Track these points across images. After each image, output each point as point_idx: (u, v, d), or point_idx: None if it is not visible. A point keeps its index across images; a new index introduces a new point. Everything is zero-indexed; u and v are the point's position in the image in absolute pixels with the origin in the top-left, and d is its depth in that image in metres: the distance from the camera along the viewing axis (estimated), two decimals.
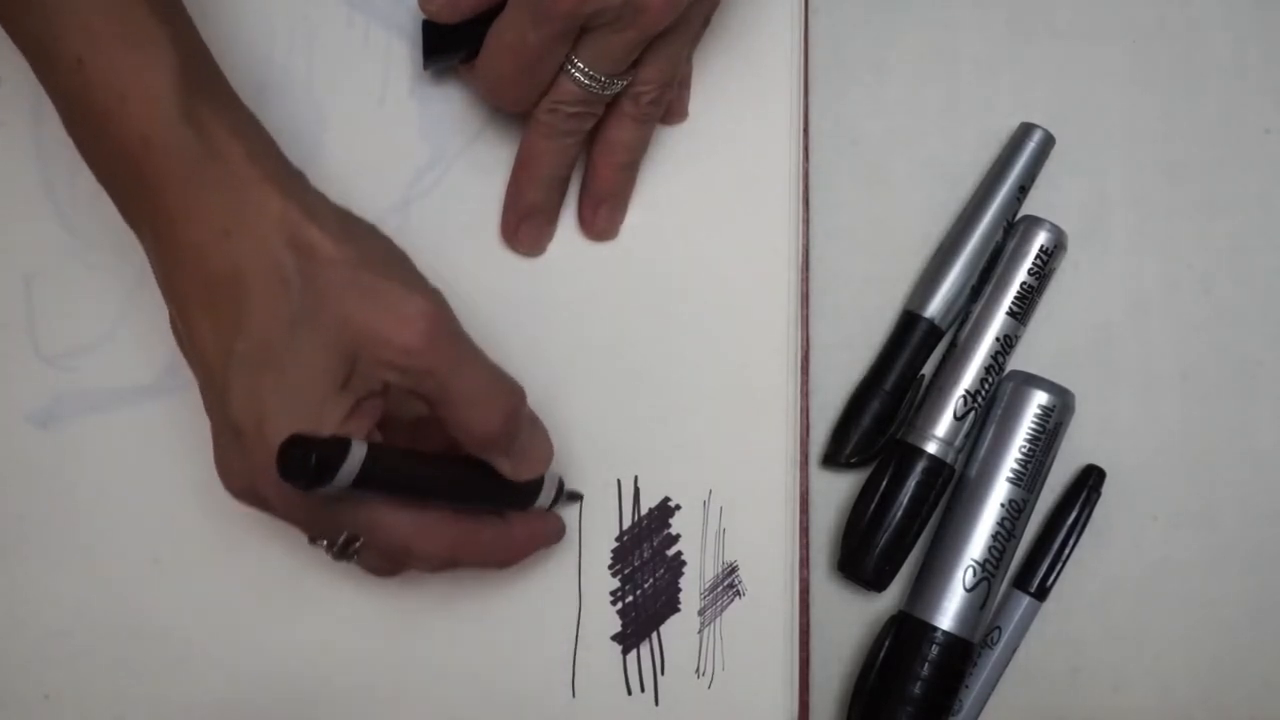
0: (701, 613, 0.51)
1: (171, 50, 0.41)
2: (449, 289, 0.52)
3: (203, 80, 0.42)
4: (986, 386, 0.54)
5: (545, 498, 0.47)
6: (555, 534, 0.49)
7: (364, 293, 0.40)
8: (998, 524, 0.52)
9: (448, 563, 0.44)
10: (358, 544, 0.43)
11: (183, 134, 0.40)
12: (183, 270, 0.41)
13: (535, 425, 0.46)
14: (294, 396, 0.40)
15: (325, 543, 0.43)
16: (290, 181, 0.42)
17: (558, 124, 0.48)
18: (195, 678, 0.50)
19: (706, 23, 0.49)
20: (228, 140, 0.41)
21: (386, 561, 0.44)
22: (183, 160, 0.40)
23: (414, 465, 0.43)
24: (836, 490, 0.55)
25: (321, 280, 0.40)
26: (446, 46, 0.50)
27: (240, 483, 0.42)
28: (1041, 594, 0.54)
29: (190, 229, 0.40)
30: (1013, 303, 0.54)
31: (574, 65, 0.46)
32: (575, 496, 0.51)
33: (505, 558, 0.47)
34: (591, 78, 0.47)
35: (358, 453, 0.39)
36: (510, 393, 0.44)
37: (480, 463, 0.44)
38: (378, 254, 0.43)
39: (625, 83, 0.48)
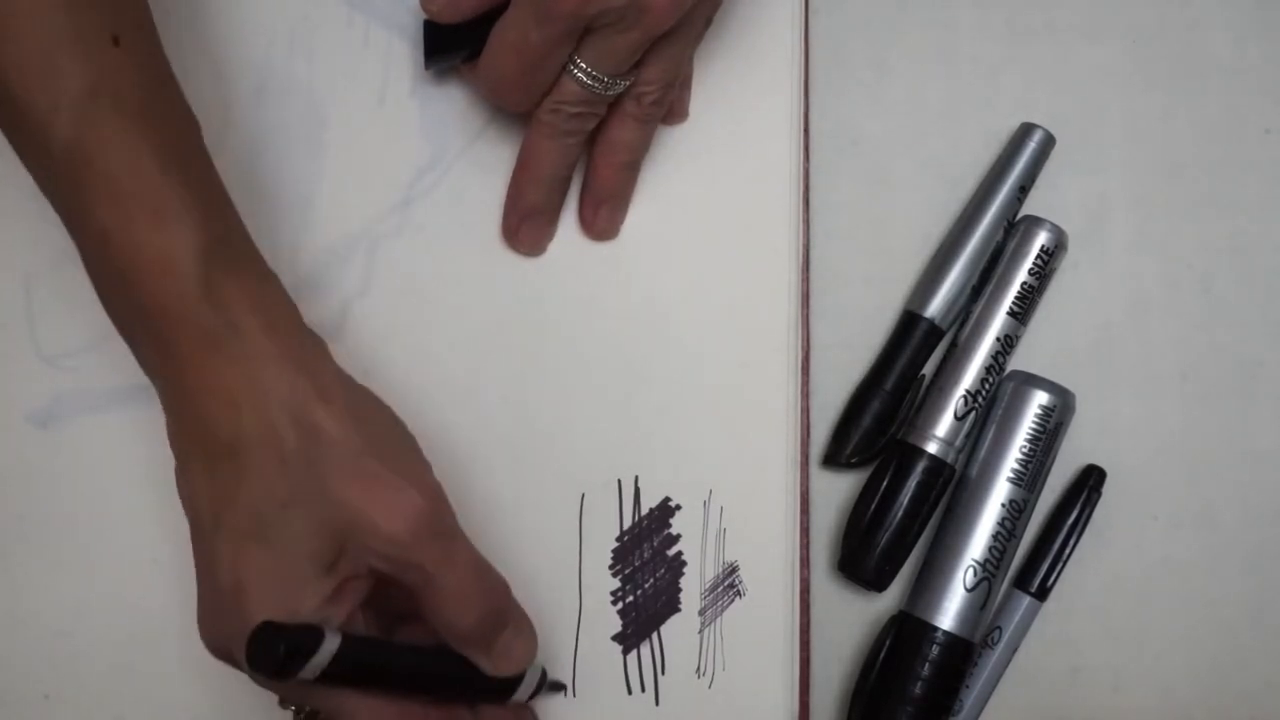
0: (702, 613, 0.51)
1: (197, 221, 0.41)
2: (449, 289, 0.52)
3: (227, 251, 0.42)
4: (987, 386, 0.54)
5: (524, 691, 0.46)
6: None
7: (361, 479, 0.41)
8: (998, 524, 0.52)
9: None
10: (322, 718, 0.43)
11: (201, 309, 0.41)
12: (188, 432, 0.42)
13: (520, 622, 0.45)
14: (278, 573, 0.40)
15: (293, 711, 0.44)
16: (307, 357, 0.42)
17: (560, 124, 0.48)
18: (195, 678, 0.50)
19: (708, 23, 0.49)
20: (247, 315, 0.41)
21: None
22: (199, 334, 0.41)
23: (387, 658, 0.43)
24: (837, 490, 0.55)
25: (321, 462, 0.40)
26: (448, 47, 0.50)
27: (216, 643, 0.42)
28: (1042, 594, 0.54)
29: (200, 399, 0.41)
30: (1013, 303, 0.54)
31: (577, 65, 0.46)
32: (557, 687, 0.50)
33: None
34: (594, 78, 0.47)
35: (329, 645, 0.39)
36: (493, 591, 0.44)
37: (459, 655, 0.44)
38: (383, 440, 0.43)
39: (628, 83, 0.48)
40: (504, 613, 0.44)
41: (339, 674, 0.40)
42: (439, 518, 0.42)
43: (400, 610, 0.44)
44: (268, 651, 0.39)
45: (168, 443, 0.43)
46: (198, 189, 0.42)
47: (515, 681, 0.45)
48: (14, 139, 0.42)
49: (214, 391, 0.41)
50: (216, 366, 0.41)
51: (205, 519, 0.41)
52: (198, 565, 0.42)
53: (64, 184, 0.42)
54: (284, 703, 0.44)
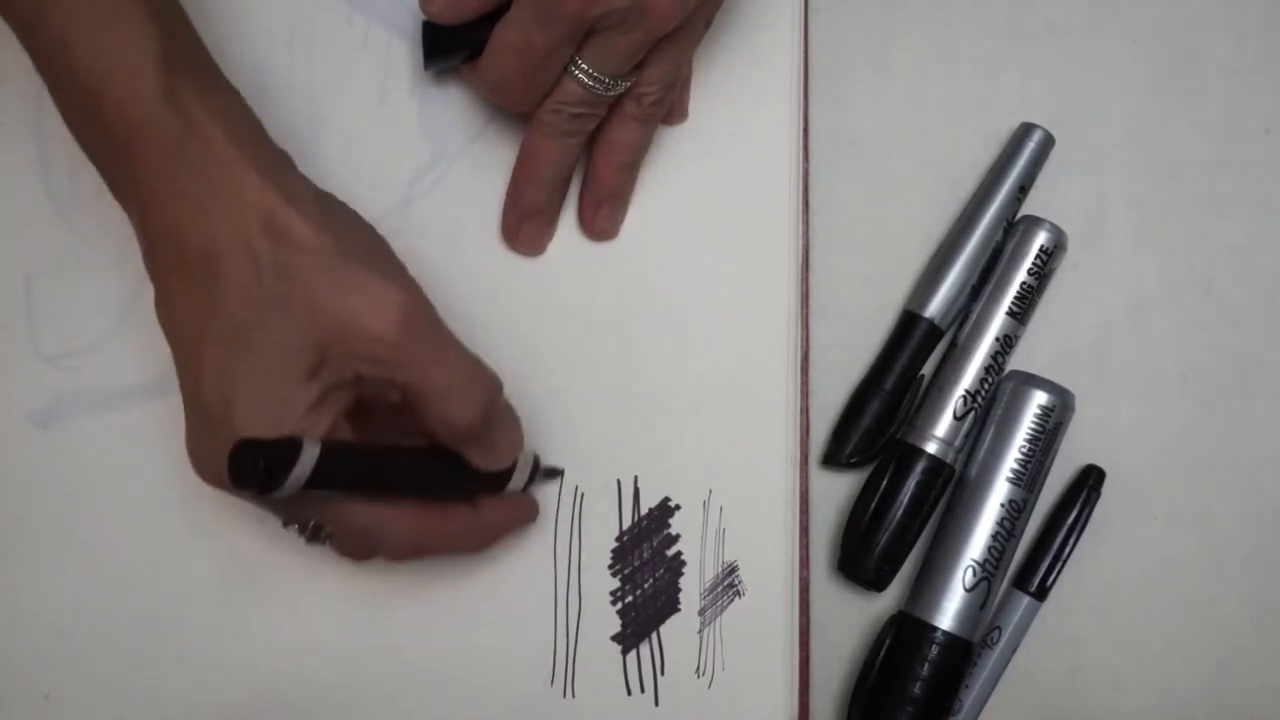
0: (701, 613, 0.51)
1: (153, 29, 0.41)
2: (449, 289, 0.52)
3: (186, 60, 0.42)
4: (986, 386, 0.54)
5: (519, 480, 0.46)
6: (528, 517, 0.48)
7: (337, 281, 0.40)
8: (998, 524, 0.52)
9: (415, 552, 0.44)
10: (326, 530, 0.43)
11: (163, 113, 0.40)
12: (162, 247, 0.41)
13: (509, 415, 0.45)
14: (261, 381, 0.40)
15: (296, 528, 0.43)
16: (272, 164, 0.42)
17: (560, 124, 0.48)
18: (194, 677, 0.50)
19: (708, 24, 0.49)
20: (208, 120, 0.41)
21: (356, 548, 0.44)
22: (162, 139, 0.40)
23: (374, 462, 0.43)
24: (836, 490, 0.55)
25: (294, 266, 0.40)
26: (447, 47, 0.50)
27: (209, 467, 0.42)
28: (1041, 594, 0.54)
29: (169, 206, 0.41)
30: (1013, 303, 0.54)
31: (578, 66, 0.46)
32: (554, 473, 0.50)
33: (476, 545, 0.47)
34: (595, 79, 0.47)
35: (309, 456, 0.39)
36: (487, 384, 0.44)
37: (448, 451, 0.43)
38: (356, 242, 0.42)
39: (629, 84, 0.48)
40: (497, 406, 0.44)
41: (326, 482, 0.40)
42: (422, 311, 0.42)
43: (388, 421, 0.44)
44: (248, 468, 0.39)
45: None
46: (157, 2, 0.42)
47: (509, 472, 0.46)
48: None
49: (181, 198, 0.40)
50: (182, 173, 0.40)
51: (188, 337, 0.41)
52: (183, 391, 0.42)
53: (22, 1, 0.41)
54: (286, 523, 0.44)
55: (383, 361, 0.41)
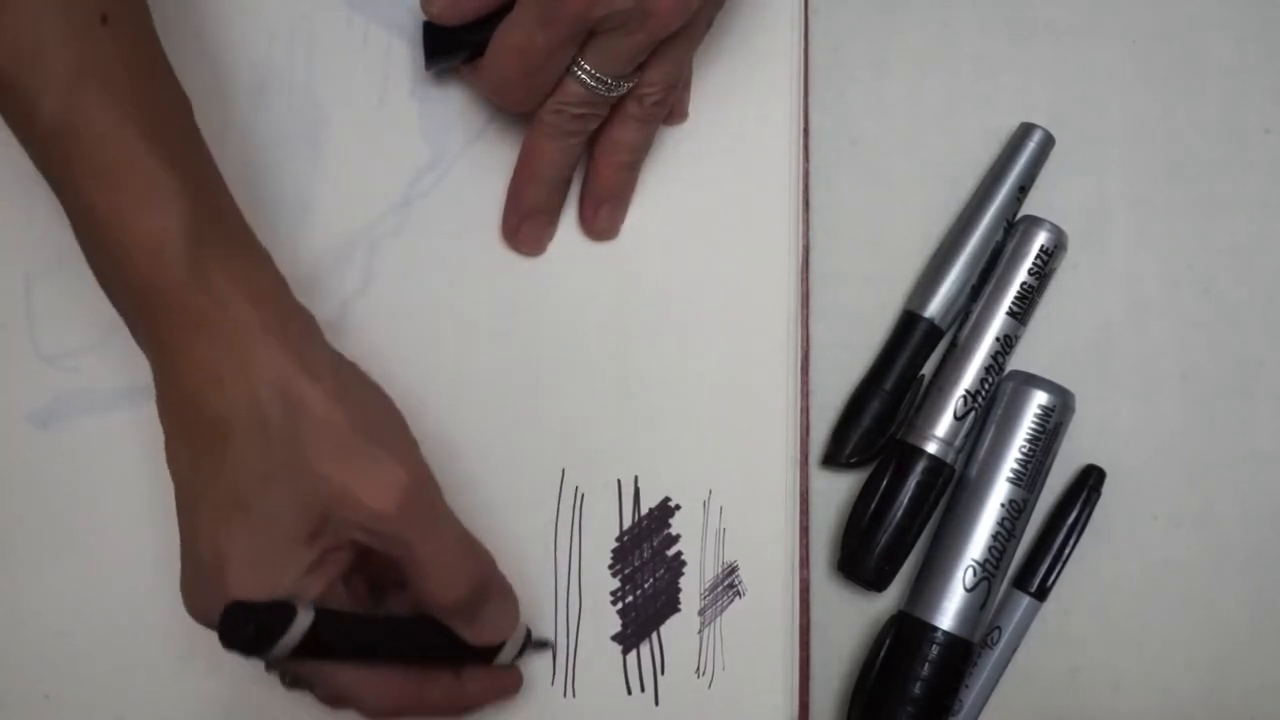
0: (702, 613, 0.51)
1: (185, 201, 0.41)
2: (449, 289, 0.52)
3: (216, 229, 0.42)
4: (986, 386, 0.54)
5: (509, 653, 0.46)
6: (511, 689, 0.48)
7: (344, 454, 0.41)
8: (998, 524, 0.52)
9: (393, 714, 0.44)
10: (307, 681, 0.43)
11: (188, 289, 0.41)
12: (175, 405, 0.42)
13: (503, 593, 0.46)
14: (258, 547, 0.41)
15: (278, 673, 0.44)
16: (293, 332, 0.42)
17: (562, 125, 0.48)
18: (195, 678, 0.50)
19: (709, 24, 0.49)
20: (233, 290, 0.41)
21: (335, 700, 0.44)
22: (185, 313, 0.41)
23: (365, 631, 0.43)
24: (836, 490, 0.55)
25: (305, 438, 0.41)
26: (448, 48, 0.50)
27: (198, 610, 0.42)
28: (1041, 594, 0.54)
29: (185, 376, 0.41)
30: (1013, 303, 0.54)
31: (580, 67, 0.46)
32: (544, 645, 0.50)
33: (455, 714, 0.46)
34: (598, 80, 0.47)
35: (301, 623, 0.40)
36: (478, 564, 0.44)
37: (440, 623, 0.44)
38: (368, 416, 0.43)
39: (630, 84, 0.48)
40: (488, 585, 0.44)
41: (315, 650, 0.41)
42: (423, 492, 0.42)
43: (385, 578, 0.45)
44: (239, 631, 0.39)
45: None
46: (186, 168, 0.42)
47: (500, 645, 0.46)
48: (7, 118, 0.42)
49: (199, 367, 0.41)
50: (202, 344, 0.41)
51: (189, 491, 0.42)
52: (182, 534, 0.42)
53: (54, 163, 0.42)
54: (268, 667, 0.44)
55: (378, 535, 0.41)
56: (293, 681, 0.44)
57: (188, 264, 0.41)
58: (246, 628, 0.39)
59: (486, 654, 0.46)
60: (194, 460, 0.42)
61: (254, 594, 0.40)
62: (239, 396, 0.41)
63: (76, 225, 0.42)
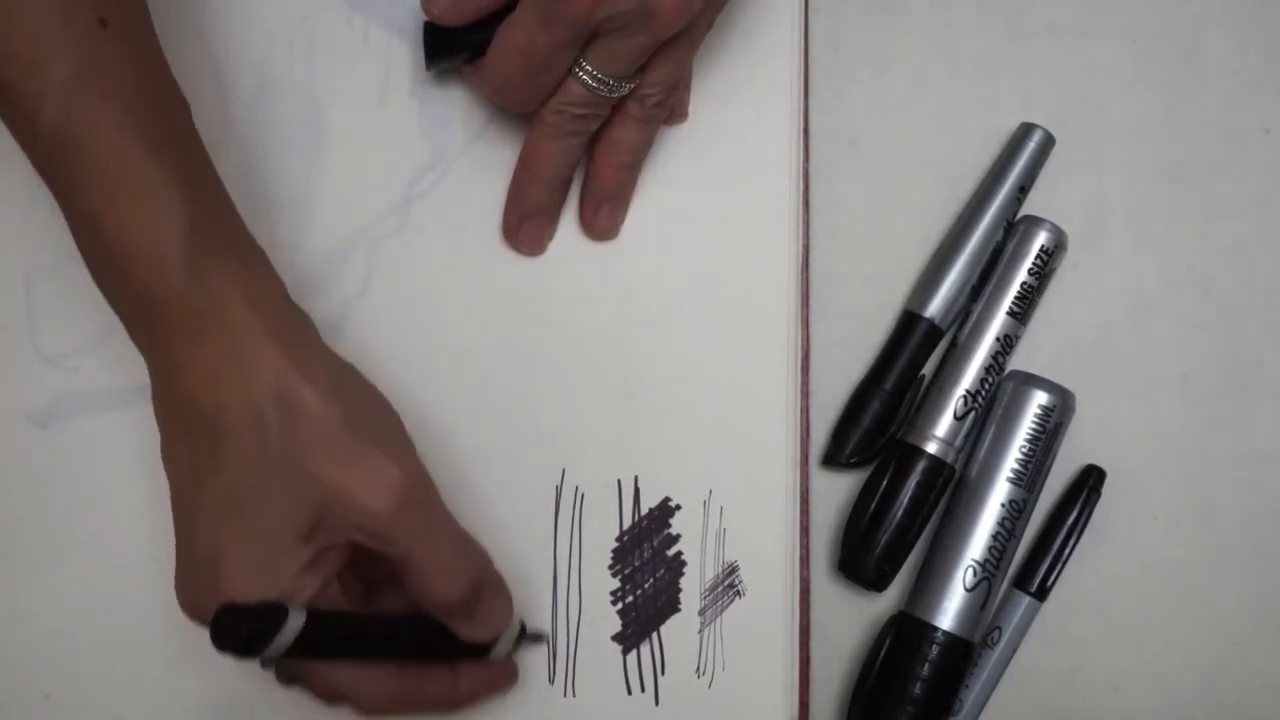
0: (702, 613, 0.51)
1: (183, 204, 0.41)
2: (449, 288, 0.52)
3: (214, 231, 0.43)
4: (987, 386, 0.54)
5: (503, 648, 0.46)
6: (507, 683, 0.48)
7: (341, 454, 0.41)
8: (998, 524, 0.52)
9: (389, 710, 0.44)
10: (302, 678, 0.44)
11: (186, 292, 0.41)
12: (172, 404, 0.42)
13: (498, 589, 0.46)
14: (254, 546, 0.41)
15: (274, 669, 0.44)
16: (290, 331, 0.43)
17: (563, 125, 0.48)
18: (195, 678, 0.50)
19: (710, 25, 0.49)
20: (231, 292, 0.41)
21: (330, 696, 0.44)
22: (183, 315, 0.41)
23: (358, 629, 0.43)
24: (836, 490, 0.55)
25: (301, 438, 0.41)
26: (450, 48, 0.50)
27: (192, 608, 0.42)
28: (1041, 594, 0.54)
29: (182, 376, 0.41)
30: (1013, 303, 0.54)
31: (582, 68, 0.46)
32: (538, 638, 0.50)
33: (451, 709, 0.46)
34: (599, 80, 0.47)
35: (294, 624, 0.40)
36: (475, 563, 0.44)
37: (433, 619, 0.44)
38: (365, 416, 0.43)
39: (632, 85, 0.48)
40: (484, 584, 0.44)
41: (309, 650, 0.41)
42: (419, 492, 0.43)
43: (380, 575, 0.45)
44: (231, 633, 0.39)
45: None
46: (185, 172, 0.42)
47: (494, 640, 0.46)
48: (7, 123, 0.43)
49: (196, 368, 0.41)
50: (199, 345, 0.41)
51: (185, 491, 0.42)
52: (177, 532, 0.42)
53: (53, 166, 0.42)
54: (264, 665, 0.44)
55: (374, 535, 0.41)
56: (289, 679, 0.44)
57: (185, 267, 0.41)
58: (238, 630, 0.39)
59: (481, 648, 0.46)
60: (191, 460, 0.42)
61: (250, 592, 0.40)
62: (236, 397, 0.41)
63: (75, 229, 0.42)
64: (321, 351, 0.43)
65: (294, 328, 0.43)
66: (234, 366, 0.41)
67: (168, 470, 0.43)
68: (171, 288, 0.41)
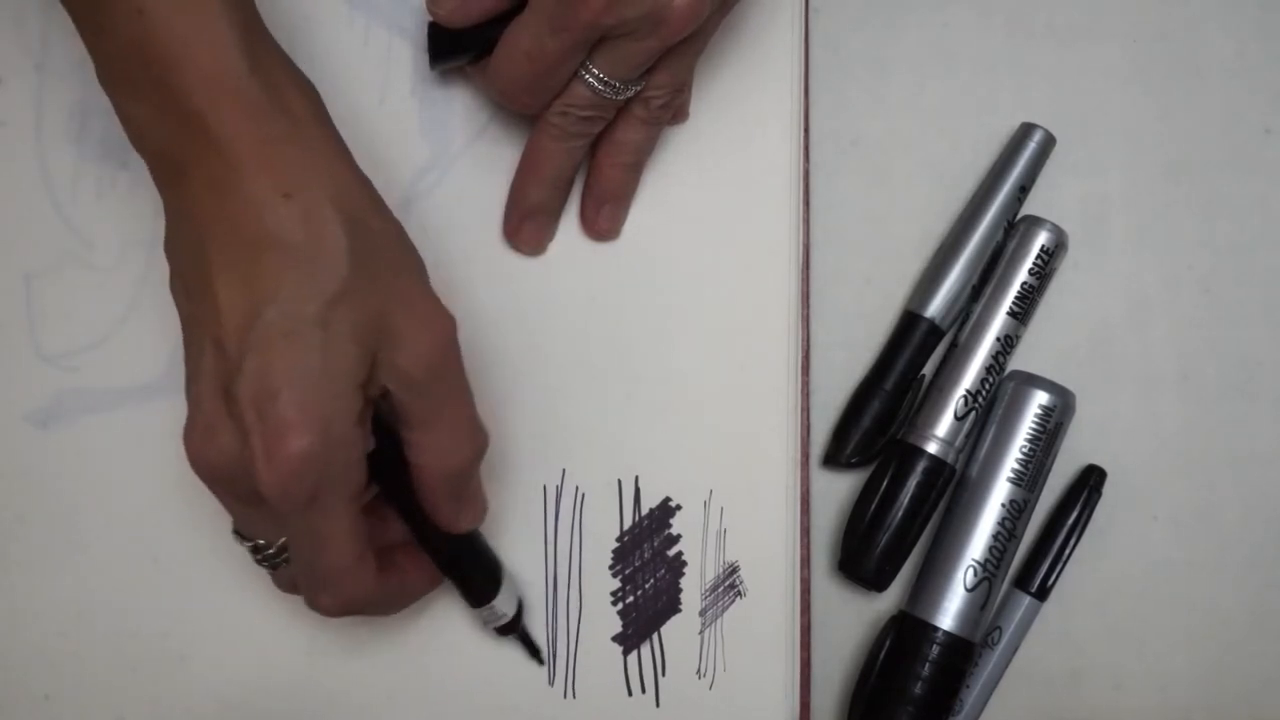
0: (702, 613, 0.51)
1: (233, 1, 0.40)
2: (450, 288, 0.52)
3: (262, 31, 0.41)
4: (987, 386, 0.54)
5: (504, 607, 0.48)
6: (432, 584, 0.47)
7: (406, 289, 0.40)
8: (998, 524, 0.52)
9: (350, 608, 0.43)
10: (284, 556, 0.42)
11: (251, 84, 0.39)
12: (227, 226, 0.38)
13: (478, 485, 0.45)
14: (317, 379, 0.38)
15: (250, 544, 0.42)
16: (351, 157, 0.41)
17: (568, 126, 0.48)
18: (195, 678, 0.50)
19: (717, 28, 0.48)
20: (295, 96, 0.40)
21: (295, 583, 0.43)
22: (252, 111, 0.39)
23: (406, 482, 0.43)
24: (837, 490, 0.55)
25: (372, 264, 0.39)
26: (454, 49, 0.50)
27: (209, 462, 0.39)
28: (1042, 594, 0.54)
29: (254, 183, 0.38)
30: (1013, 303, 0.54)
31: (589, 71, 0.46)
32: (536, 651, 0.50)
33: (395, 610, 0.46)
34: (606, 84, 0.47)
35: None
36: (483, 435, 0.44)
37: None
38: (420, 261, 0.42)
39: (638, 88, 0.48)
40: (479, 461, 0.44)
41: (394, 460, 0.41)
42: (458, 348, 0.42)
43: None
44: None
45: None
46: None
47: (495, 588, 0.47)
48: None
49: (269, 177, 0.38)
50: (272, 151, 0.38)
51: (233, 323, 0.38)
52: (204, 379, 0.39)
53: None
54: (247, 535, 0.42)
55: (413, 384, 0.40)
56: (274, 554, 0.42)
57: (250, 62, 0.39)
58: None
59: (476, 598, 0.47)
60: (245, 287, 0.38)
61: (309, 437, 0.37)
62: (309, 213, 0.38)
63: (122, 38, 0.39)
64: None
65: (349, 152, 0.41)
66: (306, 180, 0.38)
67: (200, 315, 0.39)
68: (236, 80, 0.38)
